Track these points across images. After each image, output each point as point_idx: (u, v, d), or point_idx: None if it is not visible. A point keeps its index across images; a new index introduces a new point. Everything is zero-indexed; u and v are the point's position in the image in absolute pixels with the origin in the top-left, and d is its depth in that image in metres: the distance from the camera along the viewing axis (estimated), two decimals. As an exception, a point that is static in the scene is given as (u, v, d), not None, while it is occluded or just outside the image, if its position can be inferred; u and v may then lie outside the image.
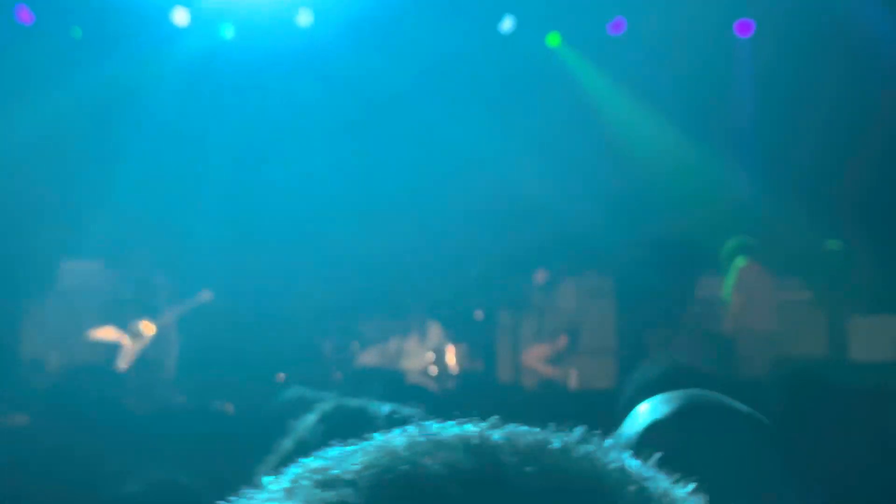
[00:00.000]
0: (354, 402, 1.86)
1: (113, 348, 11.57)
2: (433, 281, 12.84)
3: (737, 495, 1.36)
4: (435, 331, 12.23)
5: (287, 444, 1.78)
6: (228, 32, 13.41)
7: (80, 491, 3.35)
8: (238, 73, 13.54)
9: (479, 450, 0.70)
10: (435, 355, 12.00)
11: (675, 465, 1.29)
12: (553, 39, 13.77)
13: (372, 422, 1.76)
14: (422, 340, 12.22)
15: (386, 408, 1.84)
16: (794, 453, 2.24)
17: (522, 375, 12.07)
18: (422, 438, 0.72)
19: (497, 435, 0.68)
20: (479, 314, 12.47)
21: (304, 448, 1.66)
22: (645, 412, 1.54)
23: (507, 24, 13.40)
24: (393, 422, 1.73)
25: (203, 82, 13.69)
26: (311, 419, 1.80)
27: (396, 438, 0.74)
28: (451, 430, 0.71)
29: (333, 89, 13.69)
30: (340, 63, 13.59)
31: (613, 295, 13.25)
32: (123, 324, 11.39)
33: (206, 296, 11.95)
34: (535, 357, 12.15)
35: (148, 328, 11.44)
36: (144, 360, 11.39)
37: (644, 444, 1.48)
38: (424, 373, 11.60)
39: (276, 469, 1.66)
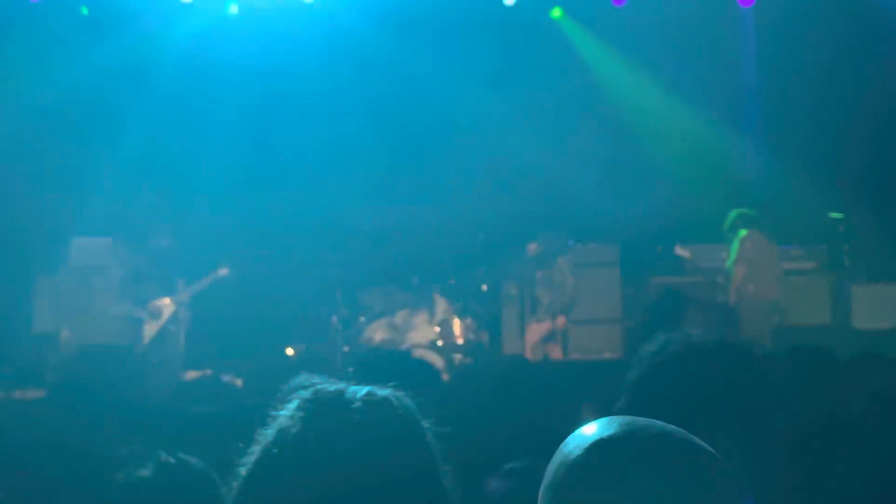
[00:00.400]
0: (332, 388, 1.87)
1: (130, 325, 11.69)
2: (440, 253, 12.94)
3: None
4: (441, 304, 12.37)
5: (268, 432, 1.83)
6: (233, 9, 13.48)
7: (91, 471, 3.44)
8: (242, 48, 13.59)
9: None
10: (440, 328, 12.13)
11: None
12: (556, 11, 13.78)
13: (346, 407, 1.81)
14: (428, 314, 12.37)
15: (362, 391, 1.85)
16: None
17: (526, 348, 12.17)
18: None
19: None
20: (484, 287, 12.57)
21: (285, 436, 1.78)
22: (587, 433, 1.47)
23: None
24: (368, 405, 1.83)
25: (208, 58, 13.76)
26: (291, 407, 1.84)
27: None
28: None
29: (338, 63, 13.76)
30: (345, 37, 13.65)
31: (618, 266, 13.36)
32: (141, 301, 11.50)
33: (221, 272, 12.01)
34: (538, 330, 12.24)
35: (166, 305, 11.54)
36: (160, 337, 11.49)
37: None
38: (429, 346, 11.74)
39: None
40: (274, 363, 11.79)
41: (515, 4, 13.56)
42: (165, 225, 12.01)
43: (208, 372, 10.03)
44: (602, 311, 13.14)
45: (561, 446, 1.48)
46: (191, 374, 10.84)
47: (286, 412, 1.84)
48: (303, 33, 13.50)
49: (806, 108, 13.43)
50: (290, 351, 12.42)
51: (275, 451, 1.79)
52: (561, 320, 12.14)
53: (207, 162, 14.45)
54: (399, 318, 12.35)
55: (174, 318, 11.65)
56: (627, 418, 1.48)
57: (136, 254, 11.73)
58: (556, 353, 11.89)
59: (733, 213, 12.55)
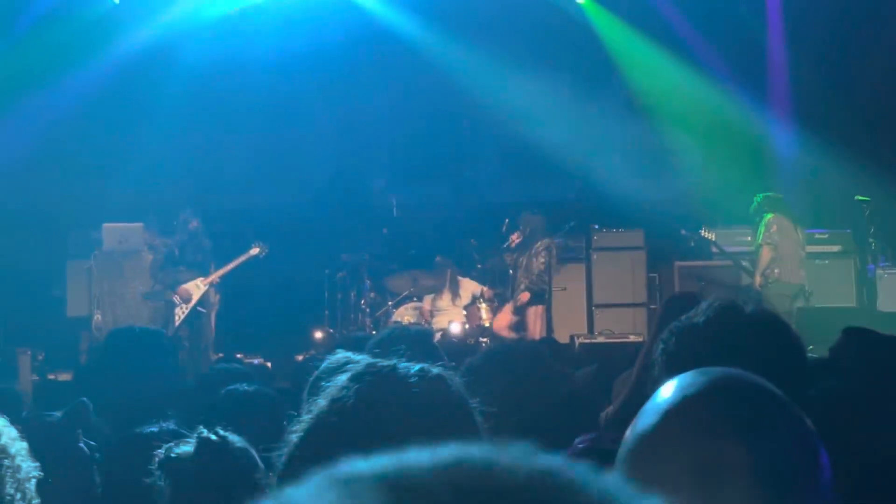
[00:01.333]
0: (385, 363, 1.89)
1: (161, 308, 11.83)
2: (466, 238, 13.04)
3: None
4: (467, 288, 12.48)
5: (321, 403, 1.86)
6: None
7: (128, 449, 3.51)
8: (269, 36, 13.71)
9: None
10: (467, 312, 12.24)
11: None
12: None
13: (402, 382, 1.84)
14: (455, 298, 12.47)
15: (415, 367, 1.88)
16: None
17: (555, 326, 12.25)
18: None
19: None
20: (511, 271, 12.65)
21: (341, 405, 1.81)
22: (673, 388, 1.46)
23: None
24: (423, 380, 1.86)
25: (234, 45, 13.88)
26: (342, 379, 1.86)
27: None
28: None
29: (364, 48, 13.85)
30: (371, 24, 13.74)
31: (644, 250, 13.42)
32: (172, 284, 11.62)
33: (253, 252, 12.07)
34: (507, 311, 12.26)
35: (196, 288, 11.66)
36: (189, 320, 11.61)
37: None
38: (457, 329, 11.84)
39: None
40: (302, 347, 11.97)
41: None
42: (193, 208, 12.07)
43: (238, 355, 10.14)
44: (627, 295, 13.22)
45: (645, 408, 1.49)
46: (221, 357, 10.98)
47: (338, 383, 1.87)
48: (330, 19, 13.57)
49: (831, 90, 13.44)
50: (318, 334, 12.56)
51: (332, 419, 1.82)
52: (523, 297, 12.11)
53: (236, 146, 14.62)
54: (426, 302, 12.47)
55: (204, 301, 11.76)
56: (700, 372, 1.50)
57: (166, 237, 11.85)
58: (532, 332, 11.85)
59: (758, 197, 12.57)
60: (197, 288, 11.64)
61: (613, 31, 14.12)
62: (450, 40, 13.54)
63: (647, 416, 1.46)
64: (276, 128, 14.59)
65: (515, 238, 12.20)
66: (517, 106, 13.75)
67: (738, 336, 2.30)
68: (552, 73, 13.63)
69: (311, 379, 2.78)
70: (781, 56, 14.00)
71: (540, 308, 12.07)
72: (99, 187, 13.36)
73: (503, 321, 12.05)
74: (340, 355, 2.29)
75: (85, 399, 3.51)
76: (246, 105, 14.60)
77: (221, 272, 12.12)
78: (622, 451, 1.46)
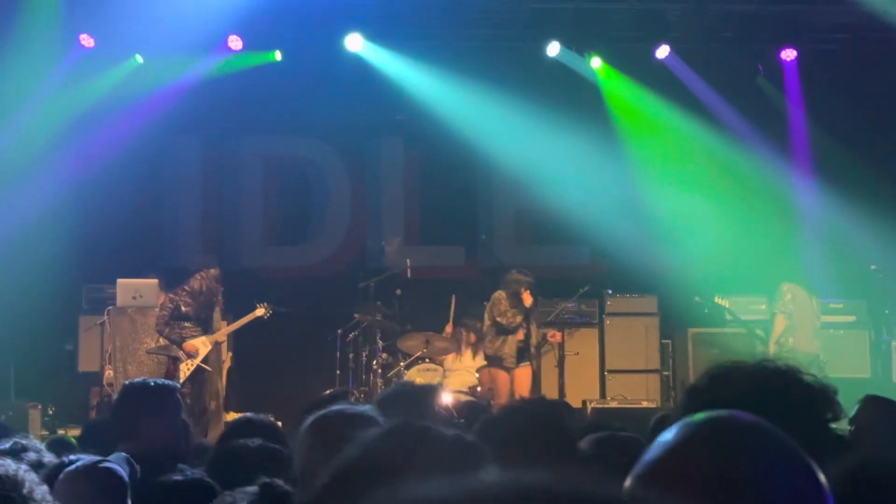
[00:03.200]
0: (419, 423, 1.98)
1: (169, 364, 11.79)
2: (478, 298, 13.02)
3: None
4: (480, 350, 12.46)
5: (353, 451, 1.92)
6: (278, 55, 13.73)
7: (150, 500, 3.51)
8: (286, 91, 13.83)
9: None
10: (480, 374, 12.20)
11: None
12: (595, 61, 13.87)
13: (440, 441, 1.92)
14: (468, 359, 12.45)
15: (450, 432, 1.97)
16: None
17: (567, 390, 12.20)
18: None
19: None
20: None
21: (375, 455, 1.83)
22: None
23: (552, 48, 13.57)
24: (460, 445, 1.91)
25: (253, 100, 14.00)
26: (375, 432, 1.95)
27: None
28: None
29: (378, 103, 13.94)
30: (389, 83, 13.84)
31: (658, 316, 13.39)
32: (179, 340, 11.59)
33: (258, 312, 12.11)
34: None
35: (203, 345, 11.63)
36: (195, 377, 11.57)
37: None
38: (468, 391, 11.78)
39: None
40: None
41: (558, 55, 13.69)
42: (202, 265, 12.08)
43: (248, 414, 10.06)
44: (640, 361, 13.19)
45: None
46: (231, 415, 10.93)
47: (372, 435, 1.92)
48: (346, 79, 13.68)
49: (846, 160, 13.47)
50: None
51: (361, 465, 1.86)
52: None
53: (250, 205, 14.69)
54: (439, 363, 12.44)
55: (209, 358, 11.72)
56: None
57: (172, 292, 11.83)
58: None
59: (774, 266, 12.57)
60: (203, 345, 11.60)
61: (627, 96, 14.19)
62: (465, 103, 13.61)
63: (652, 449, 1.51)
64: (291, 187, 14.67)
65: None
66: (532, 169, 13.80)
67: (740, 391, 2.24)
68: (567, 137, 13.69)
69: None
70: (800, 122, 14.05)
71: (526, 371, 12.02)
72: (114, 242, 13.43)
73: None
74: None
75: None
76: (260, 165, 14.71)
77: (227, 331, 12.13)
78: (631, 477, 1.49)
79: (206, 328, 11.73)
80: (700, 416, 1.54)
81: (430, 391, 4.11)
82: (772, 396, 2.19)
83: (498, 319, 11.95)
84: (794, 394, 2.25)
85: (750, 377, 2.28)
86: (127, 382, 5.20)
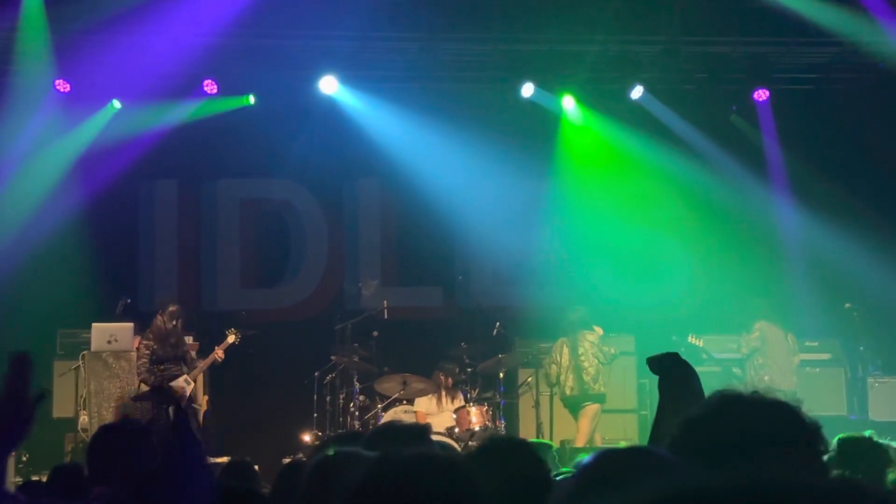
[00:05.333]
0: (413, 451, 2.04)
1: (147, 407, 11.71)
2: (458, 341, 13.01)
3: None
4: (458, 391, 12.44)
5: (357, 478, 1.97)
6: (251, 99, 13.81)
7: None
8: (262, 134, 13.87)
9: None
10: (457, 415, 12.17)
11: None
12: (569, 101, 13.96)
13: (431, 469, 1.98)
14: (446, 401, 12.43)
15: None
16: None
17: (545, 431, 12.19)
18: None
19: None
20: (501, 374, 12.63)
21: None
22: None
23: (527, 89, 13.65)
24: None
25: (230, 143, 14.03)
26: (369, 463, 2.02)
27: None
28: None
29: (354, 146, 13.98)
30: (362, 127, 13.89)
31: (634, 355, 13.40)
32: (163, 383, 11.54)
33: (230, 339, 12.10)
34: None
35: (186, 384, 11.58)
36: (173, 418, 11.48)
37: None
38: (446, 433, 11.74)
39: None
40: (290, 449, 11.86)
41: (532, 96, 13.77)
42: (173, 305, 12.03)
43: (225, 459, 10.02)
44: (618, 401, 13.17)
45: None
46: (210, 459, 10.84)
47: (365, 470, 1.97)
48: (321, 123, 13.74)
49: (823, 195, 13.59)
50: (306, 437, 12.46)
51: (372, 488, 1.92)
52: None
53: (226, 248, 14.66)
54: (416, 405, 12.40)
55: (193, 398, 11.68)
56: None
57: (144, 338, 11.78)
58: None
59: (749, 303, 12.63)
60: (187, 383, 11.56)
61: (602, 136, 14.26)
62: (440, 144, 13.67)
63: None
64: (267, 229, 14.66)
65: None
66: (508, 209, 13.84)
67: (741, 421, 2.22)
68: (543, 178, 13.74)
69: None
70: (777, 158, 14.16)
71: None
72: (89, 286, 13.37)
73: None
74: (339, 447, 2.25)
75: None
76: (237, 207, 14.69)
77: (204, 365, 12.02)
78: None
79: (184, 365, 11.71)
80: None
81: (422, 427, 4.10)
82: (770, 428, 2.18)
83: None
84: (792, 426, 2.24)
85: (749, 409, 2.26)
86: (102, 425, 5.17)
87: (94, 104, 13.52)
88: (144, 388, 11.76)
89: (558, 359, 12.48)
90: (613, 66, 13.38)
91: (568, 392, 12.41)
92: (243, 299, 14.42)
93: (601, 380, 12.41)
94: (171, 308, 11.81)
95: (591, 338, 12.47)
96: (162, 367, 11.59)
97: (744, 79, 13.73)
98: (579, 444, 12.01)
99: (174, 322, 11.78)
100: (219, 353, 12.03)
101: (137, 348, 11.77)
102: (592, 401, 12.36)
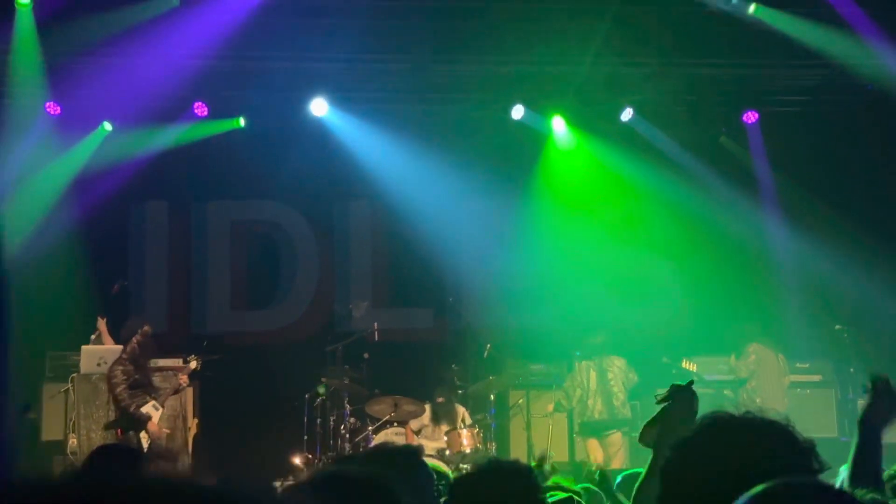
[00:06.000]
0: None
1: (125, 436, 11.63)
2: (446, 361, 12.99)
3: None
4: (450, 414, 12.41)
5: None
6: (242, 122, 13.84)
7: None
8: (253, 156, 13.88)
9: None
10: (448, 438, 12.13)
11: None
12: (559, 123, 13.99)
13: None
14: (438, 423, 12.39)
15: None
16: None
17: (536, 453, 12.15)
18: None
19: None
20: (492, 396, 12.61)
21: None
22: None
23: (517, 111, 13.68)
24: None
25: (220, 165, 14.04)
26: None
27: None
28: None
29: (343, 167, 13.99)
30: (352, 149, 13.91)
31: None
32: (139, 405, 11.43)
33: (191, 365, 12.02)
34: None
35: (154, 410, 11.46)
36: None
37: None
38: (437, 455, 11.71)
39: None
40: (281, 472, 11.81)
41: (522, 118, 13.80)
42: (144, 327, 11.89)
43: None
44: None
45: None
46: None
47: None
48: (311, 141, 13.76)
49: (815, 215, 13.62)
50: (297, 460, 12.41)
51: None
52: None
53: (216, 271, 14.64)
54: (408, 427, 12.37)
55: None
56: None
57: (119, 363, 11.60)
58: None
59: (740, 326, 12.63)
60: (155, 409, 11.40)
61: (593, 157, 14.28)
62: (430, 166, 13.68)
63: None
64: (258, 251, 14.64)
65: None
66: (499, 231, 13.85)
67: (734, 443, 2.22)
68: (533, 199, 13.75)
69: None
70: (768, 179, 14.20)
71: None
72: (79, 309, 13.33)
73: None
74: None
75: None
76: (227, 229, 14.68)
77: (170, 392, 11.83)
78: None
79: (151, 391, 11.53)
80: None
81: (414, 448, 4.10)
82: (766, 449, 2.17)
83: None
84: (785, 446, 2.23)
85: (743, 430, 2.25)
86: (98, 446, 5.16)
87: (86, 127, 13.52)
88: (116, 415, 11.53)
89: (585, 383, 12.41)
90: (603, 88, 13.42)
91: (596, 416, 12.36)
92: (233, 321, 14.39)
93: (628, 404, 12.41)
94: (146, 328, 11.64)
95: (619, 363, 12.47)
96: (135, 392, 11.38)
97: (733, 101, 13.78)
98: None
99: (147, 342, 11.59)
100: (183, 379, 11.93)
101: (114, 374, 11.41)
102: (620, 425, 12.37)
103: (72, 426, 12.29)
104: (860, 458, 3.62)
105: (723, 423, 2.27)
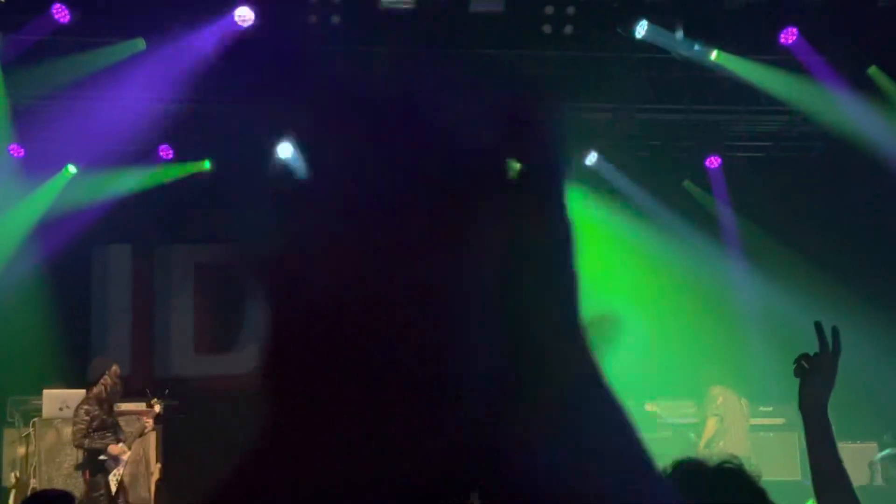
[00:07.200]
0: None
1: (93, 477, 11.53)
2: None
3: None
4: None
5: None
6: (209, 164, 13.86)
7: None
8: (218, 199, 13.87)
9: None
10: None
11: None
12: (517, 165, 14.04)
13: None
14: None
15: None
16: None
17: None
18: None
19: None
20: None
21: None
22: None
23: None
24: None
25: (185, 207, 14.02)
26: None
27: None
28: None
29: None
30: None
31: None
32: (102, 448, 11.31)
33: (156, 409, 11.92)
34: None
35: (122, 451, 11.33)
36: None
37: None
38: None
39: None
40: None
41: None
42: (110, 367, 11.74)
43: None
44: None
45: None
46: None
47: None
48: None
49: (773, 264, 13.72)
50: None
51: None
52: None
53: (174, 311, 14.58)
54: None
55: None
56: None
57: (86, 403, 11.44)
58: None
59: (703, 369, 12.67)
60: (122, 451, 11.25)
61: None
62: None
63: None
64: (222, 295, 14.58)
65: None
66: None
67: (703, 490, 2.24)
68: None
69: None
70: (731, 223, 14.32)
71: None
72: (41, 353, 13.23)
73: None
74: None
75: None
76: (191, 272, 14.64)
77: (136, 435, 11.68)
78: None
79: (117, 431, 11.39)
80: None
81: None
82: (732, 496, 2.21)
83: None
84: (751, 495, 2.27)
85: (710, 477, 2.28)
86: (32, 494, 5.13)
87: (50, 169, 13.48)
88: (83, 455, 11.35)
89: None
90: (566, 132, 13.46)
91: None
92: (197, 365, 14.31)
93: None
94: (115, 368, 11.51)
95: None
96: (102, 433, 11.21)
97: (696, 146, 13.91)
98: None
99: (115, 381, 11.44)
100: (149, 423, 11.84)
101: (77, 414, 11.20)
102: None
103: (33, 471, 12.16)
104: (812, 441, 3.64)
105: (692, 471, 2.30)
